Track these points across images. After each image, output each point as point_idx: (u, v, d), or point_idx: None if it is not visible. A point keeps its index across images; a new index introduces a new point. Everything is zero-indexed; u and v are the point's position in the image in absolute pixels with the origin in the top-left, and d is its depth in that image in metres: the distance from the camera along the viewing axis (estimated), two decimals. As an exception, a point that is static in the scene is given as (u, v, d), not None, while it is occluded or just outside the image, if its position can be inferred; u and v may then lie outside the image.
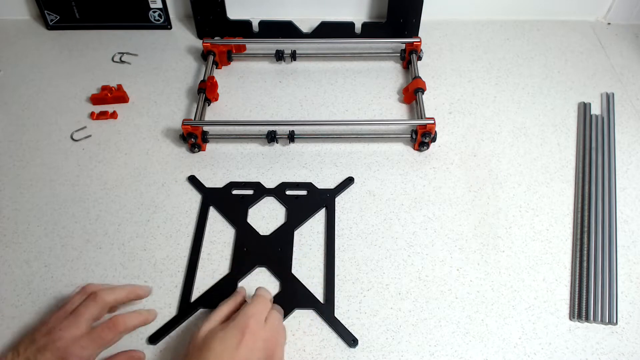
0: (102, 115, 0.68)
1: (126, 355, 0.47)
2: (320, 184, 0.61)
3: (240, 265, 0.54)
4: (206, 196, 0.60)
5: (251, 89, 0.72)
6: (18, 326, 0.49)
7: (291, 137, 0.64)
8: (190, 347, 0.43)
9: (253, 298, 0.47)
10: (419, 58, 0.74)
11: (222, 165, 0.63)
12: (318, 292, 0.52)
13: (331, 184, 0.61)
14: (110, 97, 0.69)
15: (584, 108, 0.69)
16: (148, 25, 0.81)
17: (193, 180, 0.61)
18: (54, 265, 0.54)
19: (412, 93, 0.68)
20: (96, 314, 0.45)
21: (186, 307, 0.51)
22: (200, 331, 0.43)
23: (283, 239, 0.56)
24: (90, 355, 0.44)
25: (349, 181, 0.61)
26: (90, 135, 0.66)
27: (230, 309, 0.47)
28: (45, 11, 0.79)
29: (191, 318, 0.50)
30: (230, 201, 0.59)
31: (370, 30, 0.78)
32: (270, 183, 0.61)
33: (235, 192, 0.60)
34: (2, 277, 0.53)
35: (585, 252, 0.55)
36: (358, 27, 0.78)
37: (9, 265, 0.54)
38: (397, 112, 0.69)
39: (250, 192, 0.60)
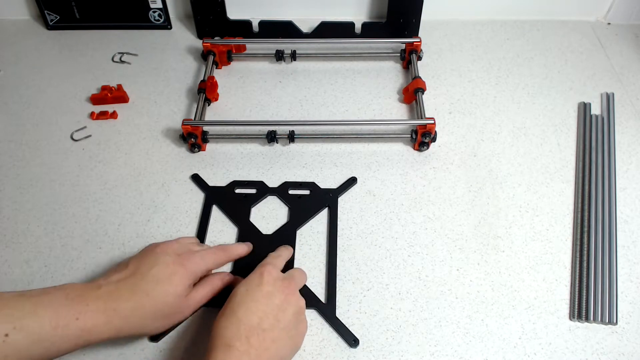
0: (102, 115, 0.68)
1: (218, 276, 0.50)
2: (320, 184, 0.61)
3: (242, 264, 0.54)
4: (209, 195, 0.60)
5: (251, 89, 0.72)
6: (18, 326, 0.49)
7: (291, 137, 0.64)
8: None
9: (269, 254, 0.50)
10: (419, 58, 0.74)
11: (222, 165, 0.63)
12: (319, 292, 0.52)
13: (331, 184, 0.61)
14: (110, 97, 0.69)
15: (584, 108, 0.69)
16: (148, 25, 0.81)
17: (196, 178, 0.61)
18: (54, 265, 0.54)
19: (412, 93, 0.68)
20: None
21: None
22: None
23: (285, 238, 0.56)
24: (205, 270, 0.48)
25: (351, 181, 0.61)
26: (90, 135, 0.66)
27: None
28: (45, 11, 0.79)
29: (193, 317, 0.50)
30: (233, 200, 0.59)
31: (370, 30, 0.78)
32: (270, 183, 0.61)
33: (238, 191, 0.60)
34: (2, 277, 0.53)
35: (585, 252, 0.55)
36: (358, 27, 0.78)
37: (9, 265, 0.54)
38: (397, 112, 0.69)
39: (253, 191, 0.60)
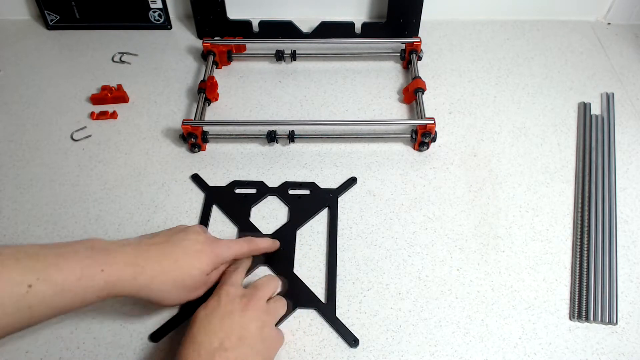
0: (102, 115, 0.68)
1: (267, 241, 0.52)
2: (320, 184, 0.61)
3: None
4: (209, 195, 0.60)
5: (251, 89, 0.72)
6: (18, 326, 0.49)
7: (291, 137, 0.64)
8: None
9: (263, 277, 0.49)
10: (419, 58, 0.74)
11: (222, 165, 0.63)
12: (319, 292, 0.52)
13: (331, 184, 0.61)
14: (110, 97, 0.69)
15: (584, 108, 0.69)
16: (148, 25, 0.81)
17: (196, 178, 0.61)
18: (54, 265, 0.54)
19: (412, 93, 0.68)
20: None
21: (188, 305, 0.51)
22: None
23: (285, 238, 0.56)
24: (231, 255, 0.49)
25: (351, 181, 0.61)
26: (90, 135, 0.66)
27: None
28: (45, 11, 0.79)
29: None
30: (233, 200, 0.59)
31: (370, 30, 0.78)
32: (270, 183, 0.61)
33: (238, 191, 0.60)
34: (2, 277, 0.53)
35: (585, 252, 0.55)
36: (358, 27, 0.78)
37: (9, 265, 0.54)
38: (397, 112, 0.69)
39: (253, 191, 0.60)
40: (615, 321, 0.50)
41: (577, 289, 0.52)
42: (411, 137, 0.64)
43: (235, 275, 0.48)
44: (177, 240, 0.46)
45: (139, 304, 0.51)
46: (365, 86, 0.72)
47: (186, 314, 0.50)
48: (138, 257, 0.42)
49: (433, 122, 0.61)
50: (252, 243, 0.51)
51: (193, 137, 0.62)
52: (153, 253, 0.43)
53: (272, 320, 0.46)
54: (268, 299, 0.47)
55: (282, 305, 0.48)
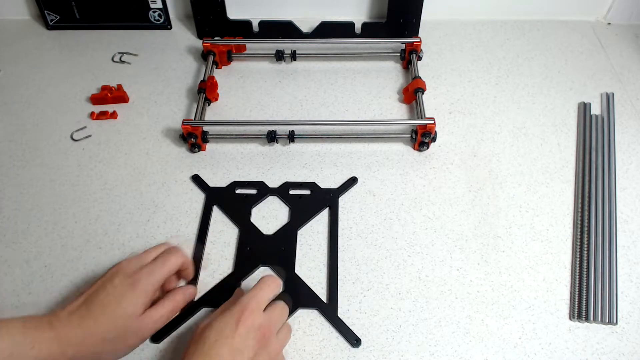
0: (102, 115, 0.68)
1: (180, 290, 0.49)
2: (320, 184, 0.61)
3: (244, 264, 0.54)
4: (210, 195, 0.60)
5: (251, 89, 0.72)
6: (18, 326, 0.49)
7: (291, 137, 0.64)
8: (189, 341, 0.43)
9: (255, 285, 0.46)
10: (419, 58, 0.74)
11: (222, 165, 0.63)
12: (320, 292, 0.52)
13: (332, 184, 0.61)
14: (110, 97, 0.69)
15: (584, 108, 0.69)
16: (148, 25, 0.81)
17: (197, 179, 0.61)
18: (54, 265, 0.54)
19: (412, 93, 0.68)
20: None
21: (189, 306, 0.51)
22: (199, 325, 0.43)
23: (286, 238, 0.56)
24: (158, 281, 0.46)
25: (352, 181, 0.61)
26: (90, 135, 0.66)
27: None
28: (45, 11, 0.79)
29: (194, 317, 0.50)
30: (234, 200, 0.59)
31: (370, 30, 0.78)
32: (270, 183, 0.61)
33: (238, 191, 0.60)
34: (2, 277, 0.53)
35: (585, 252, 0.55)
36: (358, 27, 0.78)
37: (9, 265, 0.54)
38: (397, 112, 0.69)
39: (253, 191, 0.60)
40: (615, 321, 0.50)
41: (577, 289, 0.52)
42: (411, 137, 0.64)
43: (261, 295, 0.45)
44: (94, 295, 0.44)
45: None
46: (365, 86, 0.72)
47: (187, 314, 0.50)
48: (62, 329, 0.41)
49: (433, 122, 0.61)
50: (166, 262, 0.47)
51: (193, 137, 0.62)
52: (74, 319, 0.42)
53: (281, 351, 0.45)
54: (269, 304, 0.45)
55: (287, 334, 0.46)
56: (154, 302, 0.46)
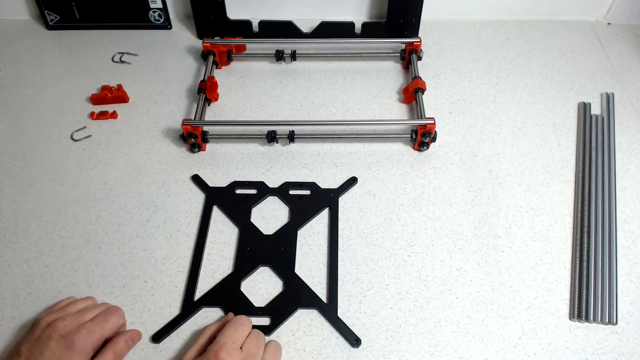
0: (102, 115, 0.68)
1: (126, 334, 0.47)
2: (320, 184, 0.61)
3: (244, 264, 0.54)
4: (210, 195, 0.60)
5: (251, 89, 0.72)
6: (18, 326, 0.49)
7: (291, 137, 0.64)
8: None
9: (225, 325, 0.46)
10: (419, 58, 0.74)
11: (222, 165, 0.63)
12: (320, 292, 0.52)
13: (332, 184, 0.61)
14: (110, 97, 0.69)
15: (584, 108, 0.69)
16: (148, 25, 0.81)
17: (197, 179, 0.61)
18: (54, 265, 0.54)
19: (412, 93, 0.68)
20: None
21: (189, 306, 0.51)
22: None
23: (286, 238, 0.56)
24: (98, 340, 0.44)
25: (352, 181, 0.61)
26: (90, 135, 0.66)
27: (207, 338, 0.46)
28: (45, 11, 0.79)
29: (194, 317, 0.50)
30: (234, 200, 0.59)
31: (370, 30, 0.78)
32: (270, 183, 0.61)
33: (238, 191, 0.60)
34: (2, 277, 0.53)
35: (585, 252, 0.55)
36: (358, 27, 0.78)
37: (9, 265, 0.54)
38: (397, 112, 0.69)
39: (253, 191, 0.60)
40: (615, 321, 0.50)
41: (577, 289, 0.52)
42: (411, 137, 0.64)
43: (236, 333, 0.45)
44: None
45: (139, 304, 0.51)
46: (365, 86, 0.72)
47: (187, 314, 0.50)
48: None
49: (433, 122, 0.61)
50: (108, 321, 0.46)
51: (193, 137, 0.62)
52: None
53: None
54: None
55: (275, 352, 0.46)
56: (96, 353, 0.45)
